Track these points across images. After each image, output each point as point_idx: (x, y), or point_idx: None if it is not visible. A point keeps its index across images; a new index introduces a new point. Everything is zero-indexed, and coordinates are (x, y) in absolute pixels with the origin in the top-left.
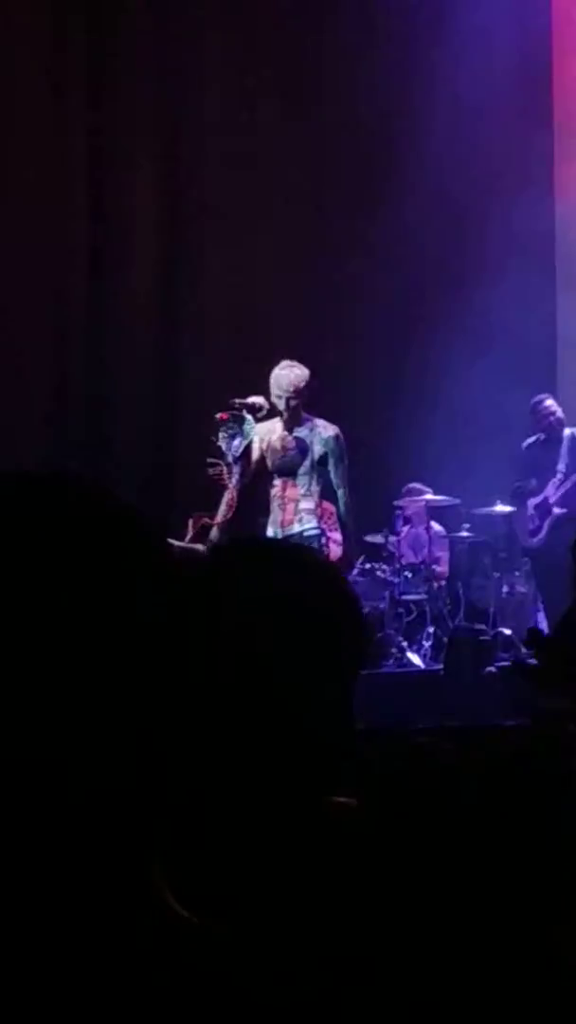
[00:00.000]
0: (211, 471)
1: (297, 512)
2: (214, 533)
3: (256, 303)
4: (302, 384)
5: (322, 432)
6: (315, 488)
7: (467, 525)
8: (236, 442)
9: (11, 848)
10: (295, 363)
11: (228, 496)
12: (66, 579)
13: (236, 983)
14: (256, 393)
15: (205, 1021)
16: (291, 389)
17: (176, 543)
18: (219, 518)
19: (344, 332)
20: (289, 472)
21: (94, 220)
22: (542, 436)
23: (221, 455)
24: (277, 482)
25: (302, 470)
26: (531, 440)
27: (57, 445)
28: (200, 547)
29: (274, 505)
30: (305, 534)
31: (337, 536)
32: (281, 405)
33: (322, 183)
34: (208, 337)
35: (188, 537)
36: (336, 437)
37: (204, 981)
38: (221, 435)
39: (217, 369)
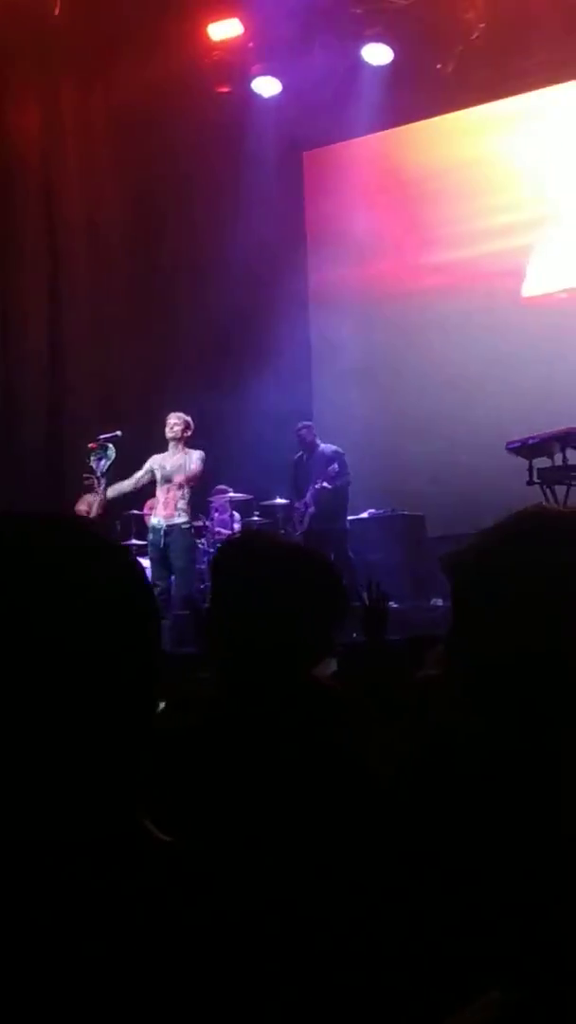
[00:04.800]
0: (86, 482)
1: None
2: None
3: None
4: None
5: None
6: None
7: (257, 513)
8: (102, 463)
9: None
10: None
11: (100, 499)
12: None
13: (207, 890)
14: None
15: (181, 922)
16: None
17: None
18: (94, 512)
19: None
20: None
21: None
22: (301, 453)
23: (92, 471)
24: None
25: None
26: (297, 456)
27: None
28: None
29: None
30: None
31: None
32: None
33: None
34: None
35: None
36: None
37: (180, 889)
38: (92, 458)
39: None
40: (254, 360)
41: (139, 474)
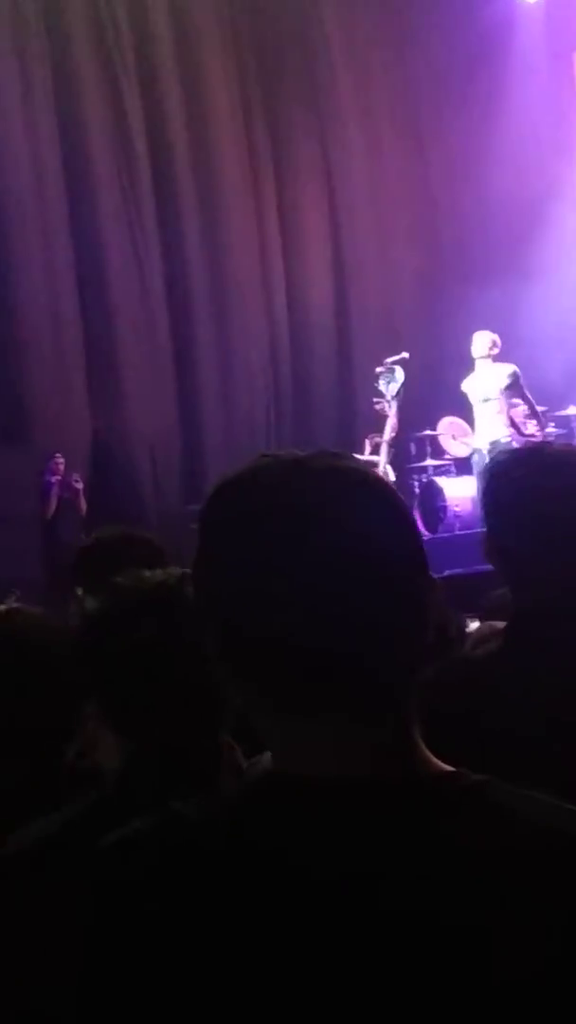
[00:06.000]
0: (376, 406)
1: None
2: (383, 448)
3: None
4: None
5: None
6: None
7: (553, 424)
8: (391, 386)
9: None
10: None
11: (391, 423)
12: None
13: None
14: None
15: (256, 826)
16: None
17: (358, 456)
18: (386, 436)
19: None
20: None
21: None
22: None
23: (381, 395)
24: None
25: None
26: None
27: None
28: (376, 458)
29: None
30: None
31: None
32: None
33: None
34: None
35: (367, 452)
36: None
37: (259, 798)
38: (381, 382)
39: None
40: (532, 274)
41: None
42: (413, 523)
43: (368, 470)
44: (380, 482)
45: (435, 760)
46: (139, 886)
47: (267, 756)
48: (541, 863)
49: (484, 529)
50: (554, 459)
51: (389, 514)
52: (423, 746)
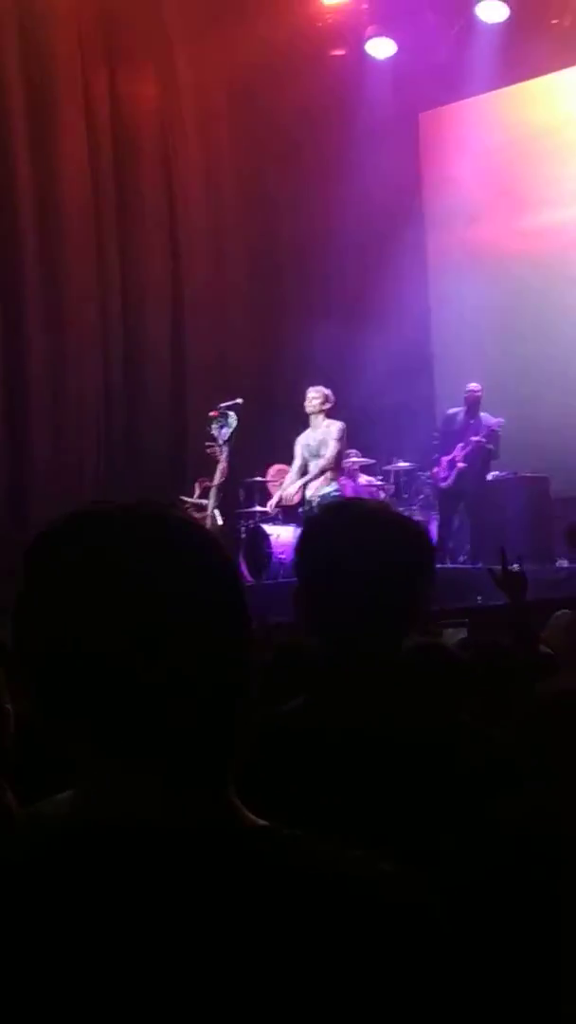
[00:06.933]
0: (208, 450)
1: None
2: (212, 492)
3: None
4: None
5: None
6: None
7: (380, 478)
8: (224, 431)
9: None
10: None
11: (222, 467)
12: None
13: (297, 871)
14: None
15: (273, 914)
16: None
17: (187, 499)
18: (216, 481)
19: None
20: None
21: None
22: (464, 409)
23: (214, 439)
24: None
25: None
26: (454, 410)
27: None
28: (205, 502)
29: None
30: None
31: None
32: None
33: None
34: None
35: (196, 495)
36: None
37: (275, 877)
38: (214, 426)
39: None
40: (372, 323)
41: (296, 464)
42: (236, 576)
43: (191, 521)
44: (203, 533)
45: (246, 814)
46: None
47: (66, 797)
48: (331, 919)
49: (295, 578)
50: (364, 513)
51: (211, 566)
52: (235, 799)
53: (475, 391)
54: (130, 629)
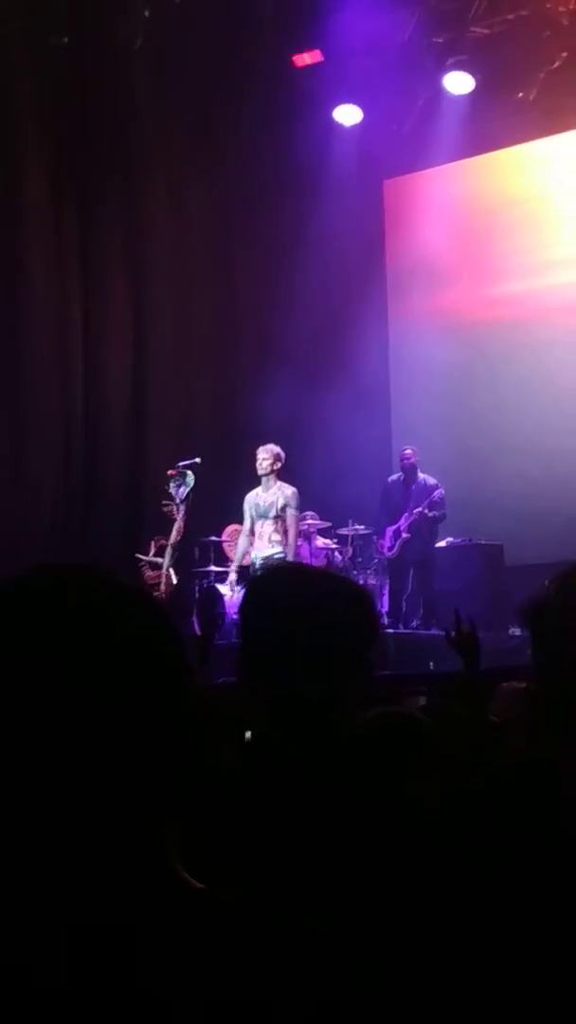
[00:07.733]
0: (165, 508)
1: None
2: (167, 550)
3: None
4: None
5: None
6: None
7: (335, 540)
8: (181, 489)
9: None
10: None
11: (178, 525)
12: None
13: (239, 945)
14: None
15: (208, 980)
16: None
17: (142, 556)
18: (172, 539)
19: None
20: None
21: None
22: (401, 476)
23: (171, 497)
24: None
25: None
26: (393, 478)
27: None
28: (160, 560)
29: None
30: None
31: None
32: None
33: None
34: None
35: (152, 552)
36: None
37: (208, 943)
38: (171, 484)
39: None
40: (333, 386)
41: (246, 525)
42: (178, 643)
43: (138, 589)
44: (149, 601)
45: (187, 878)
46: None
47: None
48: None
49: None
50: (306, 574)
51: (152, 631)
52: (177, 863)
53: (409, 457)
54: (69, 694)
